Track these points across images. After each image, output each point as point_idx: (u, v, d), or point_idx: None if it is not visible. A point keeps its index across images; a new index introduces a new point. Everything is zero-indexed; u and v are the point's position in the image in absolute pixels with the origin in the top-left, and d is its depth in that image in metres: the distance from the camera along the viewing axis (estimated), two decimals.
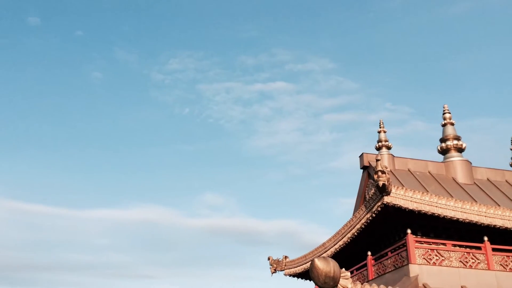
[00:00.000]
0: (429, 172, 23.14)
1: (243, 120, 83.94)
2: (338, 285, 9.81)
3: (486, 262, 15.08)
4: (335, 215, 76.39)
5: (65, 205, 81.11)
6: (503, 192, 22.49)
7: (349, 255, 22.29)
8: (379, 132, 24.14)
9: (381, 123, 24.36)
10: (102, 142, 79.13)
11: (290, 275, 23.95)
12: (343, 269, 10.08)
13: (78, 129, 78.96)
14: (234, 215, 77.31)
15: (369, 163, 22.89)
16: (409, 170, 23.14)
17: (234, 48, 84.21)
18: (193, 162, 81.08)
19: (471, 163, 23.51)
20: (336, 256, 21.31)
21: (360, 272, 17.45)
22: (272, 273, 23.94)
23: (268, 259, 24.25)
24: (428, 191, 19.86)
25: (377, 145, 23.82)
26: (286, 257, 23.92)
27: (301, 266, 22.35)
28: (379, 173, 16.47)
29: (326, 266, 9.49)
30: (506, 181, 23.70)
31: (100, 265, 70.35)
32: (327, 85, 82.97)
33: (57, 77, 78.84)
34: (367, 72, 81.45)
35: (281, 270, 23.96)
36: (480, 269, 14.93)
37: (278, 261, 23.92)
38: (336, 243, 20.29)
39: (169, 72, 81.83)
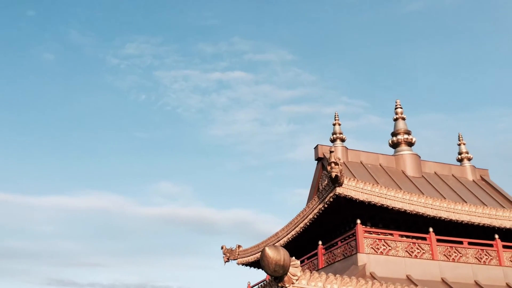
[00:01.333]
0: (380, 165, 23.78)
1: (201, 109, 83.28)
2: (288, 273, 9.95)
3: (430, 252, 15.69)
4: (289, 205, 77.48)
5: (12, 192, 77.96)
6: (449, 186, 23.45)
7: (301, 244, 22.64)
8: (334, 124, 24.53)
9: (336, 116, 24.76)
10: (51, 126, 76.44)
11: (243, 264, 24.08)
12: (294, 257, 10.22)
13: (26, 112, 75.90)
14: (189, 204, 76.88)
15: (324, 155, 23.26)
16: (361, 162, 23.69)
17: (193, 35, 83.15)
18: (148, 150, 79.80)
19: (420, 157, 24.33)
20: (288, 246, 21.60)
21: (311, 261, 17.76)
22: (225, 262, 24.01)
23: (222, 248, 24.28)
24: (378, 183, 20.41)
25: (331, 137, 24.21)
26: (239, 246, 24.02)
27: (254, 255, 22.51)
28: (332, 165, 16.74)
29: (276, 254, 9.58)
30: (453, 175, 24.71)
31: (48, 253, 68.29)
32: (285, 76, 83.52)
33: (3, 58, 75.30)
34: (325, 65, 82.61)
35: (234, 259, 24.05)
36: (425, 259, 15.52)
37: (232, 250, 23.99)
38: (289, 233, 20.55)
39: (125, 57, 79.85)
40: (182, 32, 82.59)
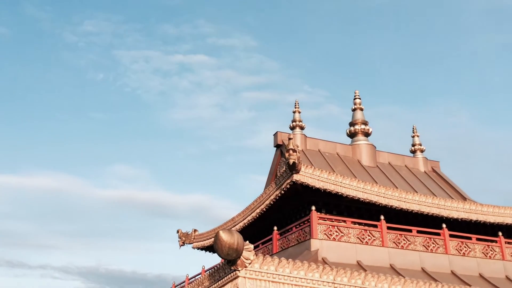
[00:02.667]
0: (337, 154, 24.22)
1: (162, 92, 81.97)
2: (241, 256, 10.01)
3: (381, 239, 16.19)
4: (248, 191, 77.91)
5: None
6: (401, 176, 24.20)
7: (258, 230, 22.83)
8: (294, 112, 24.73)
9: (297, 104, 24.96)
10: (3, 103, 73.32)
11: (198, 248, 24.08)
12: (247, 241, 10.29)
13: None
14: (146, 188, 75.93)
15: (282, 142, 23.45)
16: (319, 150, 24.05)
17: (156, 15, 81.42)
18: (105, 131, 77.94)
19: (375, 147, 24.94)
20: (245, 231, 21.73)
21: (266, 246, 17.97)
22: (181, 246, 23.93)
23: (177, 232, 24.17)
24: (334, 171, 20.80)
25: (291, 125, 24.41)
26: (195, 230, 23.98)
27: (209, 240, 22.54)
28: (290, 152, 16.89)
29: (230, 238, 9.62)
30: (406, 166, 25.50)
31: None
32: (248, 62, 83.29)
33: None
34: (288, 53, 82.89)
35: (190, 243, 24.01)
36: (375, 245, 16.00)
37: (187, 234, 23.92)
38: (245, 218, 20.67)
39: (83, 34, 77.25)
40: (144, 11, 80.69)
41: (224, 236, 9.53)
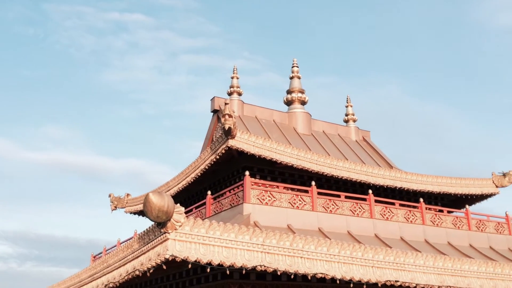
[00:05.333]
0: (273, 121, 24.49)
1: (95, 51, 78.36)
2: (171, 219, 9.98)
3: (311, 204, 16.73)
4: (185, 157, 77.37)
5: None
6: (334, 144, 24.97)
7: (192, 194, 22.86)
8: (232, 78, 24.56)
9: (235, 69, 24.77)
10: None
11: (131, 213, 23.78)
12: (178, 204, 10.25)
13: None
14: (79, 151, 73.24)
15: (219, 107, 23.32)
16: (256, 117, 24.18)
17: None
18: (34, 89, 73.82)
19: (311, 115, 25.45)
20: (179, 195, 21.68)
21: (199, 210, 18.05)
22: (113, 210, 23.51)
23: (109, 196, 23.67)
24: (270, 138, 21.08)
25: (228, 91, 24.26)
26: (128, 194, 23.60)
27: (142, 204, 22.26)
28: (226, 117, 16.85)
29: (160, 200, 9.53)
30: (339, 134, 26.31)
31: None
32: (187, 24, 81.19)
33: None
34: (229, 17, 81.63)
35: (122, 208, 23.63)
36: (306, 210, 16.53)
37: (120, 198, 23.50)
38: (180, 183, 20.57)
39: None
40: None
41: (153, 198, 9.42)
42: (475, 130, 74.97)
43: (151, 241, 10.55)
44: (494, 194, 22.98)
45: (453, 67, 77.27)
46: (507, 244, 20.92)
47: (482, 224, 20.82)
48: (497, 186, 22.59)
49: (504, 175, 22.64)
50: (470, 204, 22.63)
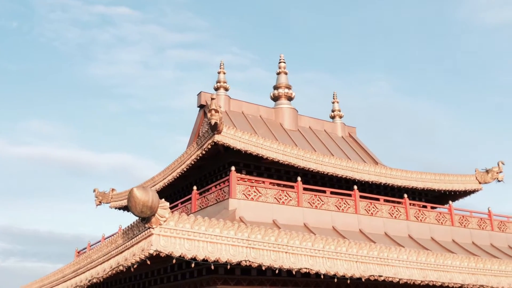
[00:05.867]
0: (260, 116, 24.49)
1: (81, 44, 77.51)
2: (156, 214, 9.93)
3: (296, 199, 16.78)
4: (171, 152, 77.03)
5: None
6: (320, 140, 25.07)
7: (178, 189, 22.78)
8: (218, 73, 24.49)
9: (222, 64, 24.69)
10: None
11: (116, 208, 23.61)
12: (163, 199, 10.21)
13: None
14: (64, 146, 72.48)
15: (206, 102, 23.24)
16: (242, 112, 24.16)
17: None
18: (19, 83, 72.77)
19: (297, 111, 25.50)
20: (165, 190, 21.59)
21: (185, 206, 18.00)
22: (97, 205, 23.33)
23: (94, 191, 23.47)
24: (257, 134, 21.07)
25: (215, 86, 24.20)
26: (113, 189, 23.42)
27: (127, 199, 22.13)
28: (213, 112, 16.80)
29: (144, 195, 9.48)
30: (325, 130, 26.41)
31: None
32: (175, 19, 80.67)
33: None
34: (218, 12, 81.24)
35: (107, 203, 23.46)
36: (291, 205, 16.57)
37: (104, 193, 23.31)
38: (165, 178, 20.48)
39: None
40: None
41: (138, 193, 9.37)
42: (462, 128, 75.88)
43: (135, 236, 10.49)
44: (477, 190, 23.28)
45: (441, 65, 78.03)
46: (489, 239, 21.25)
47: (465, 220, 21.11)
48: (480, 183, 22.89)
49: (487, 171, 22.94)
50: (453, 200, 22.91)
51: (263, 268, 11.45)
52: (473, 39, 76.56)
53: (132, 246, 10.63)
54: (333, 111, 27.67)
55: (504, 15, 74.32)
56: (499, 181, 22.90)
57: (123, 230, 11.20)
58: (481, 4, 75.55)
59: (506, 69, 75.43)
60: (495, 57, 75.23)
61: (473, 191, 23.24)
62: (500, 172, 22.92)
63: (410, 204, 19.98)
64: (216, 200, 16.16)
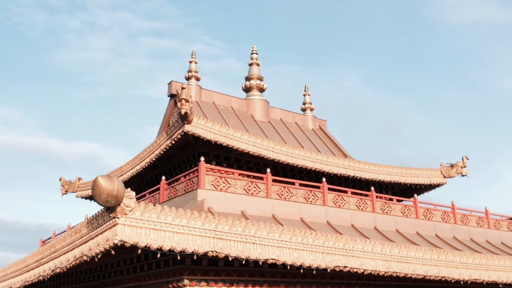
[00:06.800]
0: (231, 107, 24.39)
1: (49, 30, 75.39)
2: (121, 204, 9.78)
3: (265, 191, 16.84)
4: (142, 142, 76.11)
5: None
6: (291, 132, 25.19)
7: (147, 179, 22.52)
8: (190, 62, 24.24)
9: (193, 54, 24.45)
10: None
11: (82, 197, 23.18)
12: (129, 189, 10.06)
13: None
14: (32, 133, 70.63)
15: (177, 92, 22.96)
16: (214, 103, 24.01)
17: None
18: None
19: (269, 103, 25.52)
20: (133, 180, 21.31)
21: (153, 196, 17.81)
22: (63, 194, 22.84)
23: (60, 179, 22.97)
24: (227, 124, 20.99)
25: (187, 75, 23.95)
26: (80, 178, 22.97)
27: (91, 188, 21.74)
28: (183, 101, 16.65)
29: (109, 184, 9.31)
30: (296, 122, 26.54)
31: None
32: (147, 6, 79.31)
33: None
34: (190, 0, 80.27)
35: (74, 192, 23.00)
36: (260, 197, 16.62)
37: (71, 182, 22.84)
38: (134, 167, 20.21)
39: None
40: None
41: (103, 182, 9.20)
42: (429, 123, 77.59)
43: (100, 226, 10.32)
44: (442, 184, 23.91)
45: (411, 60, 79.38)
46: (452, 232, 21.87)
47: (429, 213, 21.64)
48: (445, 177, 23.50)
49: (452, 166, 23.56)
50: (419, 194, 23.45)
51: (230, 258, 11.46)
52: (442, 36, 78.22)
53: (97, 236, 10.45)
54: (304, 103, 27.82)
55: (470, 14, 76.19)
56: (463, 175, 23.56)
57: (87, 219, 11.00)
58: (449, 2, 77.15)
59: (471, 66, 77.50)
60: (462, 54, 77.12)
61: (438, 185, 23.85)
62: (464, 167, 23.57)
63: (376, 197, 20.33)
64: (185, 190, 16.05)
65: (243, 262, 11.94)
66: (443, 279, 15.52)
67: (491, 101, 75.60)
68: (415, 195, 21.93)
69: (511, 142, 72.45)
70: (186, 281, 12.22)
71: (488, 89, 76.47)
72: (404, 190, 24.10)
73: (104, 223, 10.20)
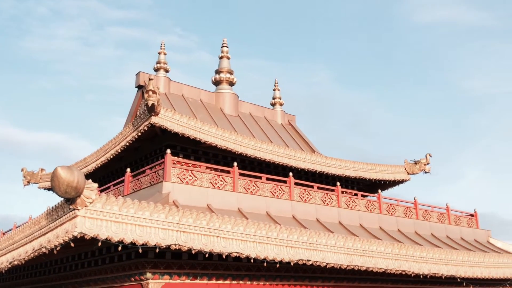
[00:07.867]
0: (200, 100, 24.23)
1: (14, 16, 73.02)
2: (82, 195, 9.59)
3: (232, 184, 16.81)
4: (109, 133, 74.75)
5: None
6: (260, 127, 25.23)
7: (112, 171, 22.14)
8: (159, 53, 23.93)
9: (162, 45, 24.13)
10: None
11: (45, 189, 22.63)
12: (89, 180, 9.87)
13: None
14: None
15: (145, 83, 22.61)
16: (183, 95, 23.79)
17: None
18: None
19: (238, 97, 25.46)
20: (97, 172, 20.93)
21: (117, 188, 17.53)
22: (25, 185, 22.25)
23: (22, 170, 22.35)
24: (196, 117, 20.83)
25: (155, 67, 23.63)
26: (42, 169, 22.41)
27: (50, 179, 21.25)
28: (150, 93, 16.43)
29: (69, 175, 9.11)
30: (265, 117, 26.59)
31: None
32: None
33: None
34: None
35: (36, 183, 22.42)
36: (226, 190, 16.58)
37: (33, 173, 22.26)
38: (98, 159, 19.85)
39: None
40: None
41: (62, 172, 8.99)
42: (395, 120, 79.12)
43: (60, 218, 10.10)
44: (406, 181, 24.46)
45: (379, 58, 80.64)
46: (413, 227, 22.41)
47: (392, 208, 22.11)
48: (408, 173, 24.04)
49: (416, 163, 24.12)
50: (383, 189, 23.92)
51: (194, 252, 11.42)
52: (409, 35, 79.76)
53: (56, 227, 10.22)
54: (274, 98, 27.89)
55: (436, 15, 77.92)
56: (426, 172, 24.17)
57: (47, 211, 10.74)
58: (416, 2, 78.68)
59: (436, 66, 79.40)
60: (427, 54, 78.87)
61: (402, 181, 24.39)
62: (427, 164, 24.18)
63: (342, 192, 20.61)
64: (150, 183, 15.87)
65: (207, 255, 11.92)
66: (404, 273, 15.91)
67: (454, 100, 77.76)
68: (379, 191, 22.35)
69: (473, 140, 74.74)
70: (148, 275, 12.11)
71: (451, 89, 78.59)
72: (369, 186, 24.53)
73: (64, 215, 9.99)
